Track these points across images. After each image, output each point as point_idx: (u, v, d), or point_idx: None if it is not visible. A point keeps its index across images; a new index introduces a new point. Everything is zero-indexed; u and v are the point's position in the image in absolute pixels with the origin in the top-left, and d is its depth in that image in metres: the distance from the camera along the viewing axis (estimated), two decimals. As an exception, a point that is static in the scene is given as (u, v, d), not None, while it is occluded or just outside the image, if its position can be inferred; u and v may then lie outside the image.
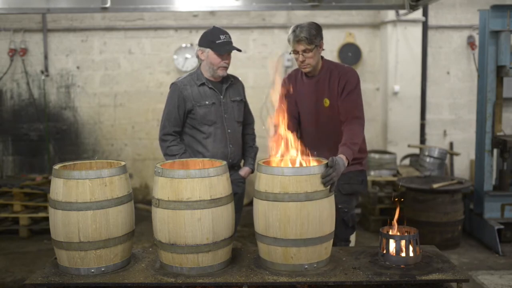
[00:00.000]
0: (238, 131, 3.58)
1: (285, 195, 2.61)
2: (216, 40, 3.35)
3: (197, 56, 3.48)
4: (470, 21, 6.95)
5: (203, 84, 3.45)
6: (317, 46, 3.23)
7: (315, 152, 3.02)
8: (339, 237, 3.36)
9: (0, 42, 6.93)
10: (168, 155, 3.43)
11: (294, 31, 3.21)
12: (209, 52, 3.37)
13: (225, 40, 3.36)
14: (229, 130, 3.49)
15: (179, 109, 3.42)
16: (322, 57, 3.37)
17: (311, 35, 3.17)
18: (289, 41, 3.25)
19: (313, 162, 2.84)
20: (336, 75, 3.30)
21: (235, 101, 3.55)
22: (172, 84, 3.51)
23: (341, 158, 2.91)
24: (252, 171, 3.71)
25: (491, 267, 4.58)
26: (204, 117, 3.43)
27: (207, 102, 3.42)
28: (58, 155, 7.05)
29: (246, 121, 3.72)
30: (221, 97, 3.48)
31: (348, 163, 3.00)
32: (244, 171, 3.66)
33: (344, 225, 3.38)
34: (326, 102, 3.32)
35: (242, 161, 3.74)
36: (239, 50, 3.43)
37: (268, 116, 2.97)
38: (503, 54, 5.03)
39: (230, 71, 3.57)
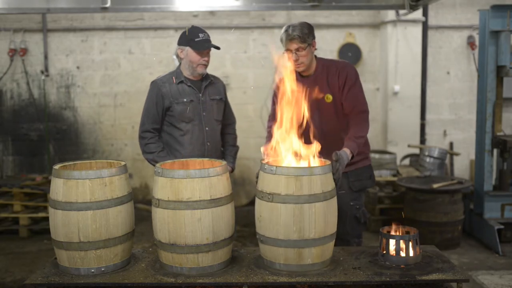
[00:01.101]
0: (216, 130, 3.63)
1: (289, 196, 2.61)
2: (195, 38, 3.41)
3: (177, 56, 3.54)
4: (470, 21, 6.95)
5: (181, 82, 3.51)
6: (310, 44, 3.24)
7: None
8: (352, 234, 3.39)
9: (0, 42, 6.93)
10: (146, 152, 3.50)
11: (286, 30, 3.23)
12: (188, 50, 3.44)
13: (203, 38, 3.43)
14: (207, 128, 3.55)
15: (157, 106, 3.48)
16: (315, 56, 3.39)
17: (303, 34, 3.19)
18: (281, 40, 3.26)
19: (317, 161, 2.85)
20: (335, 71, 3.32)
21: (214, 99, 3.60)
22: (152, 82, 3.57)
23: (345, 152, 2.97)
24: (232, 170, 3.73)
25: (491, 267, 4.58)
26: (182, 114, 3.47)
27: (185, 100, 3.48)
28: (58, 155, 7.05)
29: (228, 121, 3.77)
30: (200, 95, 3.53)
31: (353, 157, 3.06)
32: None
33: (356, 221, 3.41)
34: (328, 98, 3.32)
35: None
36: (218, 48, 3.47)
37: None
38: (503, 54, 5.03)
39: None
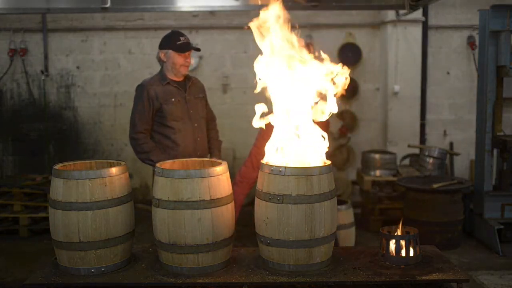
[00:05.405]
0: (203, 126, 3.84)
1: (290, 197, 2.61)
2: (176, 41, 3.60)
3: (159, 60, 3.70)
4: (470, 21, 6.94)
5: (168, 83, 3.66)
6: None
7: None
8: None
9: (0, 42, 6.93)
10: (140, 152, 3.61)
11: None
12: (171, 53, 3.61)
13: (184, 41, 3.62)
14: (195, 125, 3.73)
15: (148, 107, 3.61)
16: None
17: None
18: None
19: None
20: None
21: (198, 97, 3.80)
22: (138, 85, 3.71)
23: None
24: None
25: (491, 267, 4.58)
26: (172, 113, 3.63)
27: (173, 100, 3.64)
28: (58, 155, 7.05)
29: (210, 117, 3.97)
30: (186, 94, 3.71)
31: None
32: None
33: None
34: None
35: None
36: (198, 50, 3.76)
37: None
38: (503, 54, 5.03)
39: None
